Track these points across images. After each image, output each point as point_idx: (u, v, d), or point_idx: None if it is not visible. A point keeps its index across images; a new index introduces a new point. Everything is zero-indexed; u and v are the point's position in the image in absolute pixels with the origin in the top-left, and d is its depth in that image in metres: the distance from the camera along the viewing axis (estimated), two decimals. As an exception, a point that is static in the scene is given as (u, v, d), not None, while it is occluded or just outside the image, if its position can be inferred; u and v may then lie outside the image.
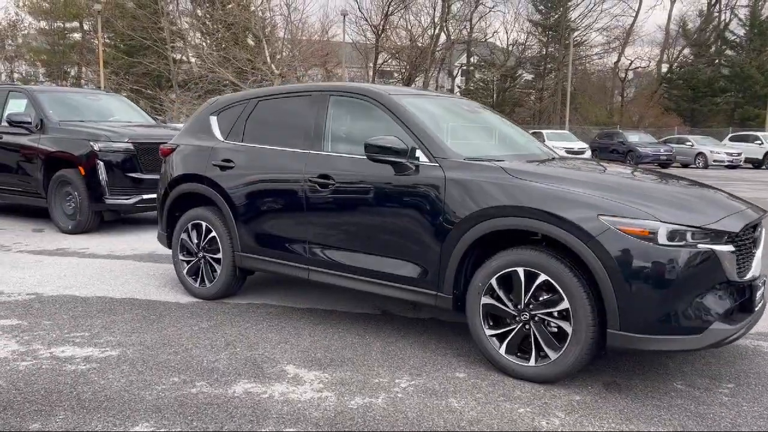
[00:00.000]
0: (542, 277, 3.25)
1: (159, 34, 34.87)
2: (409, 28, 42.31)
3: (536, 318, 3.31)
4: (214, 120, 5.03)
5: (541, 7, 45.15)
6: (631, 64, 47.97)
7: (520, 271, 3.33)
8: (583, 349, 3.17)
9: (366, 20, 41.67)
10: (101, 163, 7.57)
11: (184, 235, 5.01)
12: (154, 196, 7.74)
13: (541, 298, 3.30)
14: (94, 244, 7.19)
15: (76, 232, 7.81)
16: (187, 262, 5.02)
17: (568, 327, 3.20)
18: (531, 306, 3.32)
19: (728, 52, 44.99)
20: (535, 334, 3.32)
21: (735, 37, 44.89)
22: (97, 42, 37.62)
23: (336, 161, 4.13)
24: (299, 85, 4.75)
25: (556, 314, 3.25)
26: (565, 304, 3.20)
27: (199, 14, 37.64)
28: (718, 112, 43.72)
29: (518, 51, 45.97)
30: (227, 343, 3.97)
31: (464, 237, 3.49)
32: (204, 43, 35.11)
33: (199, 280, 4.93)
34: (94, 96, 9.56)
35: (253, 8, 35.45)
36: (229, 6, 34.51)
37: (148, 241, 7.40)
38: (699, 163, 27.16)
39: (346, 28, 41.27)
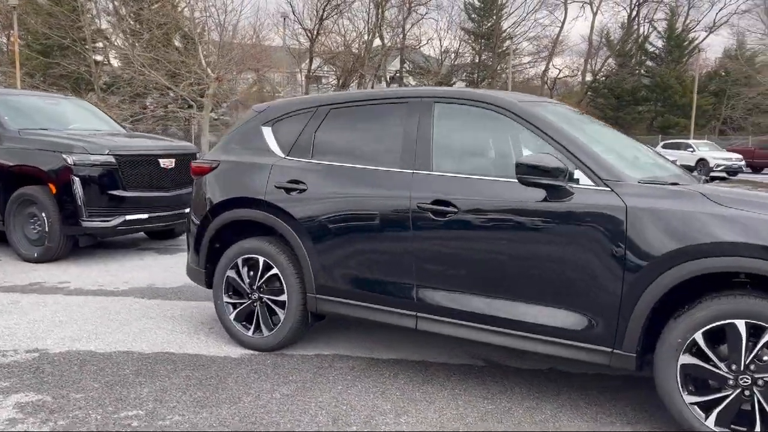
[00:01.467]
0: (773, 334, 2.63)
1: (79, 33, 32.50)
2: (344, 33, 41.59)
3: (760, 383, 2.68)
4: (268, 132, 4.13)
5: (474, 15, 45.47)
6: (559, 73, 49.20)
7: (740, 324, 2.68)
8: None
9: (300, 24, 40.61)
10: (77, 180, 6.41)
11: (231, 273, 4.08)
12: (140, 216, 6.77)
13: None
14: (72, 275, 6.04)
15: (43, 260, 6.59)
16: (235, 305, 4.10)
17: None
18: (753, 368, 2.68)
19: (648, 63, 46.91)
20: (761, 403, 2.68)
21: (654, 48, 46.88)
22: (11, 40, 34.63)
23: (457, 184, 3.35)
24: (386, 90, 3.96)
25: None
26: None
27: (123, 13, 35.45)
28: (641, 120, 45.46)
29: (451, 59, 46.11)
30: (333, 417, 3.12)
31: (659, 280, 2.81)
32: (129, 44, 32.96)
33: (253, 327, 4.02)
34: (52, 100, 8.27)
35: (180, 8, 33.63)
36: (156, 5, 32.62)
37: (134, 269, 6.31)
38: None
39: (280, 32, 40.14)
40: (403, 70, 47.45)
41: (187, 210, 7.24)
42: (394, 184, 3.51)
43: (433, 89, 3.74)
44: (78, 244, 6.76)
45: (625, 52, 46.53)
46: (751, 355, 2.68)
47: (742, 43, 48.46)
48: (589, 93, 47.53)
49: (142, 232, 7.78)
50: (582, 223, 2.98)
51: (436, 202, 3.34)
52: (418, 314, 3.44)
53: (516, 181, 3.17)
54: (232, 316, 4.10)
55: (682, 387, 2.81)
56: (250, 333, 4.03)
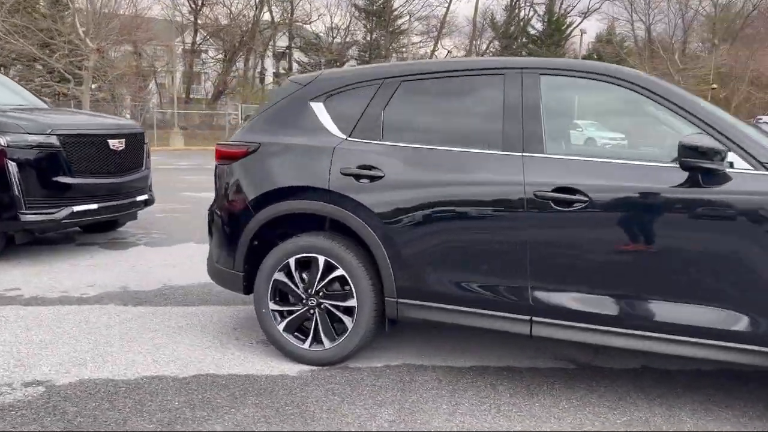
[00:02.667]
0: None
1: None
2: (230, 5, 39.55)
3: None
4: (320, 108, 3.49)
5: (365, -8, 44.93)
6: (448, 53, 49.87)
7: None
8: None
9: (182, -6, 38.08)
10: (12, 165, 5.34)
11: (280, 276, 3.44)
12: (90, 207, 5.81)
13: None
14: (18, 281, 5.02)
15: (-31, 262, 5.47)
16: (284, 314, 3.47)
17: None
18: None
19: (531, 45, 48.76)
20: None
21: (535, 31, 48.79)
22: None
23: (582, 168, 2.95)
24: (473, 60, 3.43)
25: None
26: None
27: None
28: (525, 101, 47.33)
29: (342, 36, 45.34)
30: (467, 446, 2.65)
31: None
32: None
33: (310, 338, 3.42)
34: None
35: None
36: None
37: (92, 270, 5.38)
38: None
39: (161, 1, 37.42)
40: (293, 46, 46.16)
41: (143, 198, 6.46)
42: (502, 170, 3.04)
43: (536, 60, 3.30)
44: (14, 241, 5.67)
45: (509, 34, 48.05)
46: None
47: (612, 29, 51.78)
48: (476, 74, 48.69)
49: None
50: (741, 212, 2.69)
51: (560, 189, 2.92)
52: (534, 318, 3.02)
53: (651, 164, 2.85)
54: (281, 327, 3.46)
55: None
56: (306, 345, 3.42)
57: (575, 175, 2.92)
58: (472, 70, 3.30)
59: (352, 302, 3.32)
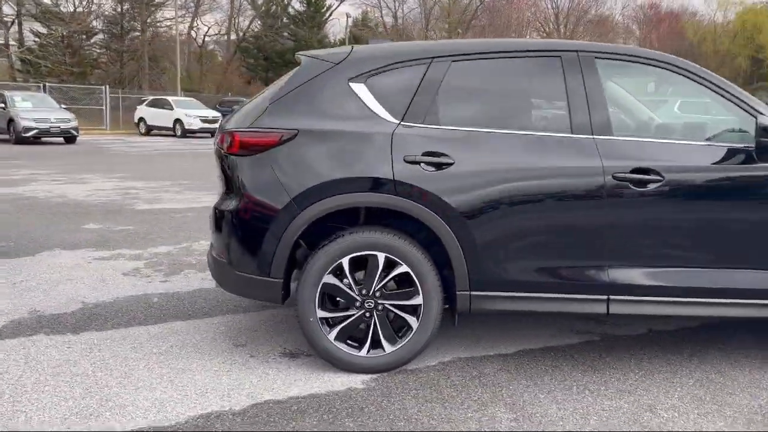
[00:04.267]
0: None
1: None
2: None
3: None
4: (362, 90, 3.12)
5: (111, -42, 40.62)
6: (208, 30, 47.78)
7: None
8: None
9: None
10: None
11: (330, 279, 3.04)
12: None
13: None
14: None
15: None
16: (335, 321, 3.09)
17: None
18: None
19: (292, 26, 48.91)
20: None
21: (296, 12, 49.03)
22: None
23: (654, 149, 3.10)
24: (525, 42, 3.27)
25: None
26: None
27: None
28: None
29: (86, 5, 40.54)
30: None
31: None
32: None
33: (368, 344, 3.09)
34: None
35: None
36: None
37: (15, 290, 4.21)
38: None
39: None
40: (23, 13, 40.11)
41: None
42: (577, 153, 3.05)
43: (587, 44, 3.33)
44: None
45: (270, 14, 47.59)
46: None
47: (366, 14, 54.25)
48: (238, 53, 47.49)
49: None
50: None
51: (637, 170, 3.02)
52: (610, 297, 3.10)
53: (712, 144, 3.13)
54: (332, 336, 3.07)
55: None
56: (363, 353, 3.09)
57: (649, 156, 3.06)
58: (527, 50, 3.25)
59: (417, 300, 3.07)
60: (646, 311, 3.13)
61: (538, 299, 3.11)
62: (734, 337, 3.68)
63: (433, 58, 3.18)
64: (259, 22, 47.71)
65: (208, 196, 8.11)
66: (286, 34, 48.13)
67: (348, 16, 47.15)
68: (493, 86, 3.25)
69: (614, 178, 3.02)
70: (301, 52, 3.37)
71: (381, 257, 3.03)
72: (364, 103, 3.11)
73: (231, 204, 3.16)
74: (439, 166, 3.01)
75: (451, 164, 3.02)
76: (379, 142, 3.03)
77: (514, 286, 3.09)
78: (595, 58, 3.20)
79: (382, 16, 55.41)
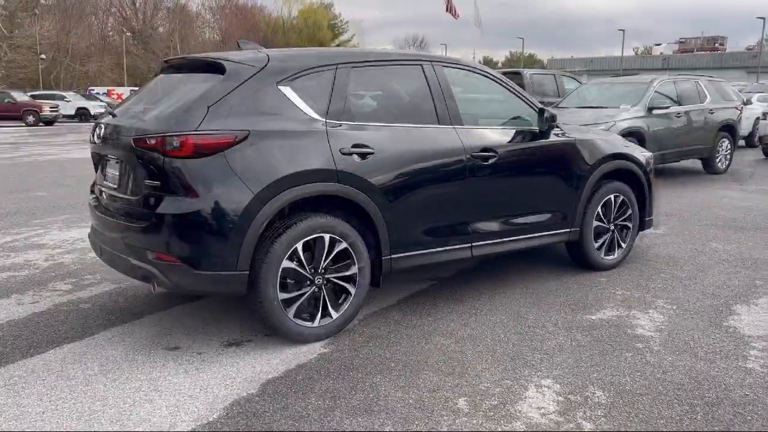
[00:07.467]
0: None
1: None
2: None
3: None
4: (289, 91, 3.51)
5: None
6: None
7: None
8: None
9: None
10: None
11: (288, 263, 3.42)
12: None
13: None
14: None
15: None
16: (292, 301, 3.48)
17: None
18: None
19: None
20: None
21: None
22: None
23: (489, 134, 4.27)
24: (396, 52, 3.83)
25: None
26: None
27: None
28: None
29: None
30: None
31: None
32: None
33: (319, 314, 3.56)
34: None
35: None
36: None
37: None
38: None
39: None
40: None
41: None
42: (452, 140, 4.02)
43: (425, 54, 4.35)
44: None
45: None
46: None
47: None
48: None
49: None
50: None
51: (483, 150, 4.15)
52: (473, 244, 4.18)
53: (522, 129, 4.49)
54: (290, 314, 3.46)
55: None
56: (316, 323, 3.57)
57: (488, 139, 4.24)
58: (396, 60, 4.07)
59: (353, 270, 3.67)
60: (493, 251, 4.32)
61: (430, 253, 4.02)
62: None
63: (337, 65, 3.74)
64: None
65: None
66: None
67: None
68: (384, 89, 4.02)
69: (472, 156, 4.09)
70: (221, 58, 3.54)
71: (327, 238, 3.53)
72: (294, 104, 3.53)
73: (184, 206, 3.22)
74: (363, 156, 3.64)
75: (372, 153, 3.67)
76: (319, 138, 3.51)
77: (416, 245, 3.94)
78: (443, 66, 4.20)
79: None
